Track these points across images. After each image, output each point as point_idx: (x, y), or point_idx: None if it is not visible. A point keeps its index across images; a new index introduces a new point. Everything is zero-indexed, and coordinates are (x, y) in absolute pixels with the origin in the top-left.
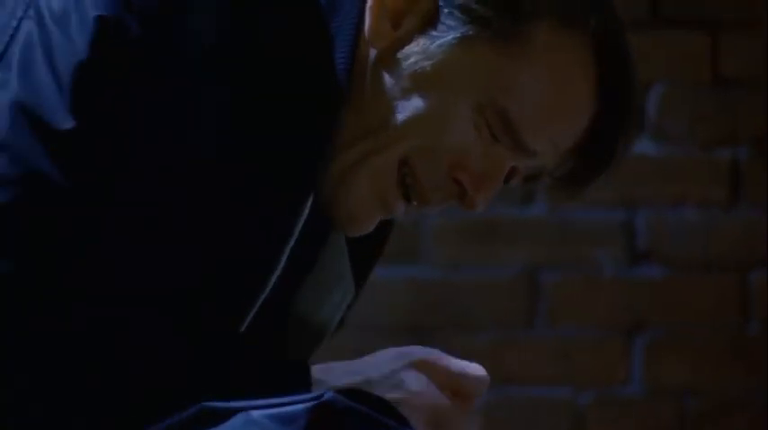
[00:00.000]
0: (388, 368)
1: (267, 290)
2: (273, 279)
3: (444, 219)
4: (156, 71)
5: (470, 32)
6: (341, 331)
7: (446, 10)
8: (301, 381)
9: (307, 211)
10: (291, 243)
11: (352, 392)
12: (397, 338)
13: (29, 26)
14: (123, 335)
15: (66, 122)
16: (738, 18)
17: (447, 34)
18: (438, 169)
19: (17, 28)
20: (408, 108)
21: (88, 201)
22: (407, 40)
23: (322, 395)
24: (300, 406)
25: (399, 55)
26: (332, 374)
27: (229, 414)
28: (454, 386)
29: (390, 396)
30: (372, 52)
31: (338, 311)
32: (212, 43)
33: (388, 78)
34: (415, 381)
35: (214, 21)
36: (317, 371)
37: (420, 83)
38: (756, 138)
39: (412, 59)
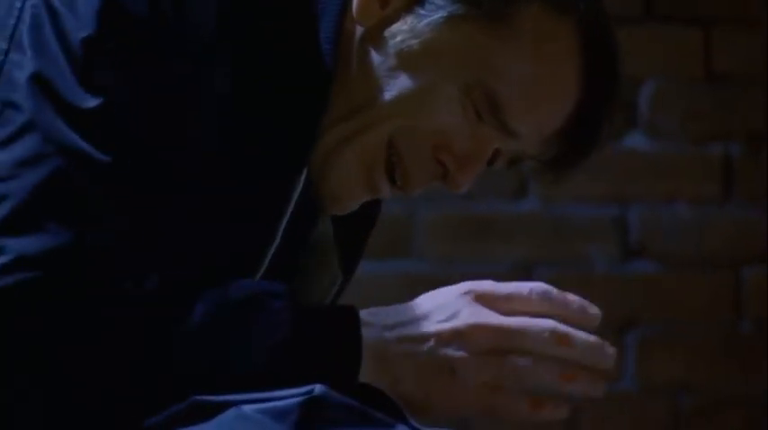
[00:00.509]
0: (443, 299)
1: (265, 264)
2: (270, 252)
3: (438, 215)
4: (160, 52)
5: (459, 12)
6: None
7: None
8: (350, 323)
9: (299, 189)
10: (285, 220)
11: (347, 387)
12: None
13: (35, 7)
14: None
15: (85, 100)
16: (732, 14)
17: (435, 13)
18: (422, 149)
19: (22, 9)
20: (395, 87)
21: (124, 172)
22: (395, 18)
23: (313, 390)
24: (292, 400)
25: (386, 33)
26: (384, 314)
27: (221, 408)
28: (514, 308)
29: (450, 325)
30: (359, 30)
31: (327, 295)
32: (212, 27)
33: (375, 56)
34: (470, 311)
35: (215, 4)
36: (366, 314)
37: (407, 61)
38: (749, 135)
39: (399, 38)
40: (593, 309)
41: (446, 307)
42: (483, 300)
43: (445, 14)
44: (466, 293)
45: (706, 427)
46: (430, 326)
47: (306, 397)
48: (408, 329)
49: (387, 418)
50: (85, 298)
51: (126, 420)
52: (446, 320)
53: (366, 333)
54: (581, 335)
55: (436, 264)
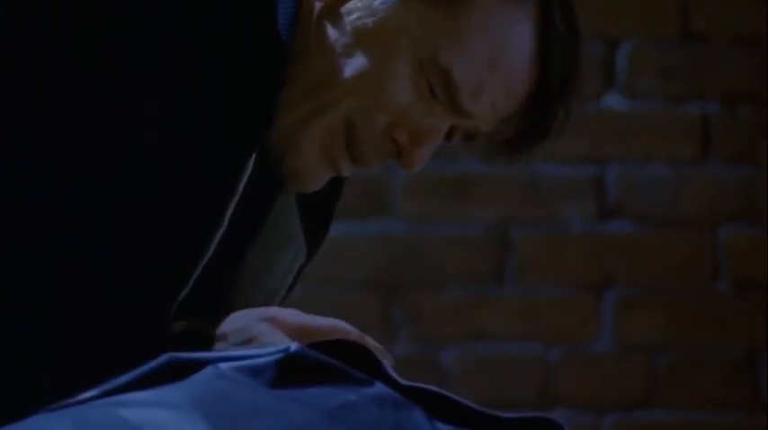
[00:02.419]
0: (243, 322)
1: (210, 250)
2: (216, 239)
3: (414, 175)
4: (109, 24)
5: None
6: (294, 291)
7: None
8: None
9: (250, 170)
10: (234, 202)
11: (324, 344)
12: (365, 293)
13: None
14: (72, 294)
15: None
16: None
17: None
18: (377, 127)
19: None
20: (351, 65)
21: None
22: None
23: (289, 347)
24: (268, 358)
25: (343, 10)
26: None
27: (198, 365)
28: (301, 334)
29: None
30: (318, 5)
31: (290, 273)
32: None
33: (331, 33)
34: (266, 333)
35: None
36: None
37: (362, 39)
38: (726, 94)
39: (355, 15)
40: (389, 360)
41: (244, 331)
42: (284, 329)
43: None
44: (269, 320)
45: (683, 387)
46: (222, 348)
47: (282, 354)
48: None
49: (364, 376)
50: None
51: None
52: (239, 344)
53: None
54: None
55: (412, 224)
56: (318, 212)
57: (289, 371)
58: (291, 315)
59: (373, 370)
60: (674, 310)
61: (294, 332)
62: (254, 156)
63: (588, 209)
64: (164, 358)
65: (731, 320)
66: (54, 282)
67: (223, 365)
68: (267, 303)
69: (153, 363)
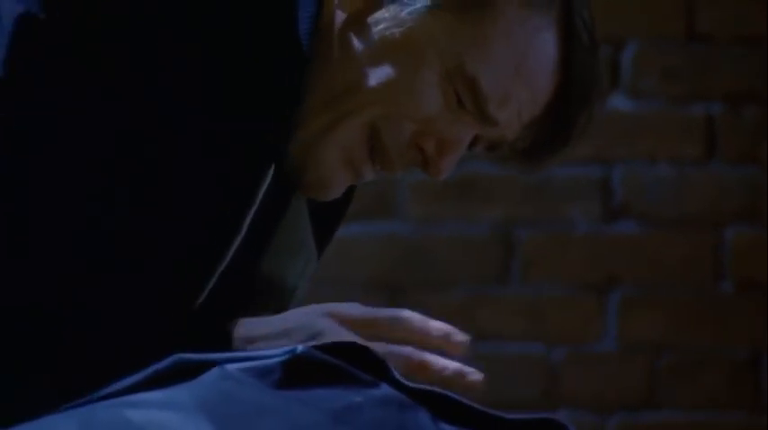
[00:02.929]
0: (305, 318)
1: (227, 257)
2: (233, 246)
3: (420, 176)
4: (124, 30)
5: (441, 1)
6: (299, 296)
7: None
8: (223, 332)
9: (269, 179)
10: (253, 210)
11: (330, 346)
12: (370, 294)
13: None
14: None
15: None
16: None
17: (418, 2)
18: (403, 136)
19: None
20: (376, 74)
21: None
22: (378, 5)
23: (296, 349)
24: (275, 359)
25: (369, 20)
26: (252, 327)
27: (205, 367)
28: (374, 334)
29: (308, 345)
30: (340, 16)
31: (301, 278)
32: (180, 7)
33: (356, 43)
34: (331, 328)
35: None
36: (237, 325)
37: (389, 49)
38: (730, 94)
39: (382, 26)
40: (459, 336)
41: (309, 327)
42: (347, 323)
43: (428, 3)
44: (331, 316)
45: (686, 387)
46: (288, 344)
47: (288, 356)
48: (265, 345)
49: (370, 377)
50: None
51: None
52: (305, 340)
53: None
54: (439, 362)
55: (418, 225)
56: (328, 216)
57: (295, 373)
58: (352, 308)
59: (381, 371)
60: (677, 311)
61: (358, 325)
62: (273, 165)
63: (593, 209)
64: (171, 359)
65: (734, 321)
66: (71, 288)
67: (229, 366)
68: (280, 309)
69: (160, 364)
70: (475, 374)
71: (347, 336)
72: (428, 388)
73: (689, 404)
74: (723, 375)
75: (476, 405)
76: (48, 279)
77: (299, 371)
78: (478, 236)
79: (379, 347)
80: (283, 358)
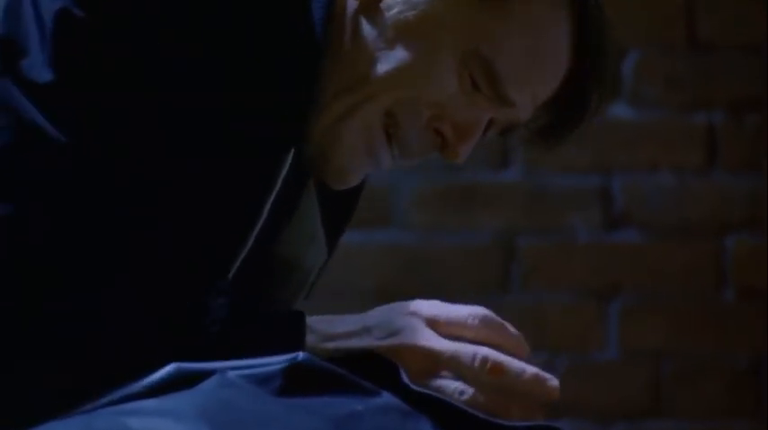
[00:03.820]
0: (385, 318)
1: (250, 241)
2: (255, 231)
3: (421, 184)
4: (144, 24)
5: None
6: (311, 297)
7: None
8: (296, 329)
9: (288, 165)
10: (273, 196)
11: (333, 356)
12: (371, 302)
13: None
14: (108, 293)
15: (45, 75)
16: None
17: None
18: (420, 120)
19: None
20: (392, 58)
21: (79, 151)
22: None
23: (297, 356)
24: (276, 366)
25: (382, 5)
26: (331, 324)
27: (205, 375)
28: (450, 331)
29: (387, 342)
30: (352, 3)
31: (311, 272)
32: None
33: (370, 29)
34: (411, 326)
35: None
36: (315, 321)
37: (403, 33)
38: (732, 102)
39: (395, 10)
40: (526, 347)
41: (388, 324)
42: (427, 322)
43: None
44: (412, 314)
45: (688, 395)
46: (366, 342)
47: (289, 363)
48: (345, 342)
49: (370, 385)
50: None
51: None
52: (384, 337)
53: (307, 340)
54: (517, 365)
55: (419, 234)
56: (336, 218)
57: (296, 380)
58: (435, 307)
59: (389, 376)
60: (679, 319)
61: (439, 325)
62: (292, 150)
63: (594, 218)
64: (170, 368)
65: (736, 329)
66: (92, 274)
67: (230, 373)
68: (298, 293)
69: (159, 373)
70: (553, 381)
71: (425, 335)
72: (432, 394)
73: (691, 412)
74: (725, 383)
75: (477, 412)
76: (69, 268)
77: (300, 379)
78: (480, 244)
79: (458, 347)
80: (284, 365)
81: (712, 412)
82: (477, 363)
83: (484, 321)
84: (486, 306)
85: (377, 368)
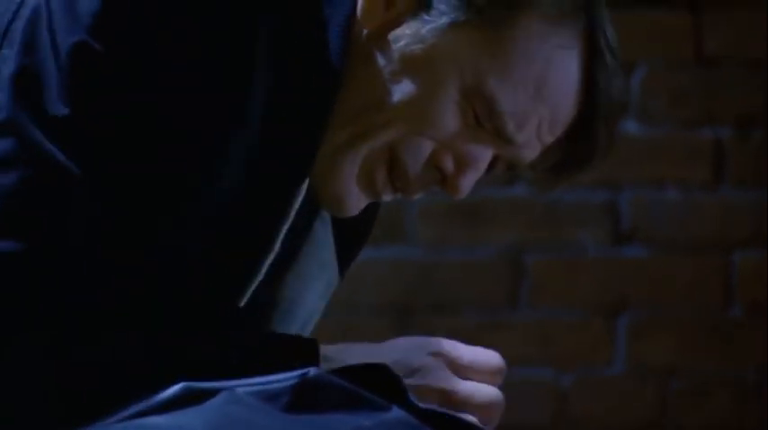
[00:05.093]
0: (405, 354)
1: (262, 273)
2: (267, 263)
3: (429, 200)
4: (163, 59)
5: (462, 18)
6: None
7: None
8: (309, 357)
9: (301, 198)
10: (286, 226)
11: (343, 370)
12: (380, 318)
13: (37, 4)
14: (121, 316)
15: (62, 109)
16: None
17: (439, 19)
18: (422, 154)
19: (21, 4)
20: (398, 91)
21: (96, 184)
22: (399, 22)
23: (307, 372)
24: (285, 383)
25: (390, 37)
26: (346, 353)
27: (213, 393)
28: (467, 374)
29: (406, 382)
30: (364, 32)
31: (323, 300)
32: (214, 29)
33: (379, 59)
34: (431, 366)
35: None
36: (330, 350)
37: (410, 66)
38: (739, 118)
39: (403, 42)
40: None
41: (407, 362)
42: (446, 362)
43: (449, 21)
44: (432, 354)
45: (695, 411)
46: None
47: (298, 379)
48: None
49: (380, 400)
50: (23, 309)
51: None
52: (404, 375)
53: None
54: None
55: (427, 250)
56: (351, 237)
57: (304, 396)
58: (459, 349)
59: (396, 391)
60: (686, 334)
61: (462, 369)
62: (306, 181)
63: (602, 234)
64: (179, 387)
65: (743, 344)
66: (108, 303)
67: (238, 390)
68: (302, 331)
69: (169, 391)
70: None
71: (445, 378)
72: (441, 410)
73: (698, 427)
74: (732, 398)
75: (485, 428)
76: (82, 295)
77: (309, 395)
78: (487, 260)
79: (469, 388)
80: (293, 381)
81: (720, 427)
82: (492, 407)
83: (499, 369)
84: (494, 322)
85: (385, 379)
